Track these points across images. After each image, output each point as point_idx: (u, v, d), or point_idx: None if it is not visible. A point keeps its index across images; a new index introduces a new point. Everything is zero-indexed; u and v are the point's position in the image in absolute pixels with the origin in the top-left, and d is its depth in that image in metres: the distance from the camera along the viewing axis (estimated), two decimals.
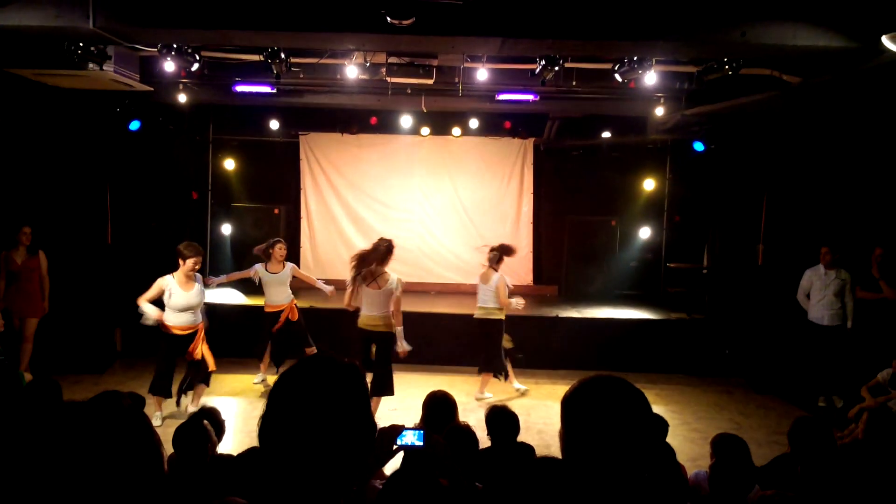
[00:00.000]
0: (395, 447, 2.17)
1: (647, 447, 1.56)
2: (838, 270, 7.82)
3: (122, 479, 1.41)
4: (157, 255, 7.84)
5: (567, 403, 1.62)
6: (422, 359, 8.55)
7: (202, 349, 6.62)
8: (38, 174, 8.50)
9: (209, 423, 3.71)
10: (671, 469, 3.73)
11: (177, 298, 6.31)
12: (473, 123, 10.69)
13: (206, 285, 6.93)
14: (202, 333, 6.63)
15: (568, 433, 1.60)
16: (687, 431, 6.90)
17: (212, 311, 7.54)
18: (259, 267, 7.71)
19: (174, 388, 6.64)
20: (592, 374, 1.67)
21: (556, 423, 1.67)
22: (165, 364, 6.50)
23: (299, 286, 8.15)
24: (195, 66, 6.69)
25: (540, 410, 7.30)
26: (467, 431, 3.33)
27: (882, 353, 7.11)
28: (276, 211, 11.05)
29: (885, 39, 4.94)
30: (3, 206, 8.18)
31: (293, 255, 11.34)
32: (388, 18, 4.96)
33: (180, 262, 6.32)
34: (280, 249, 7.80)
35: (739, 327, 9.16)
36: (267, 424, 1.42)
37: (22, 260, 7.70)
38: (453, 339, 8.94)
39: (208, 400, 6.92)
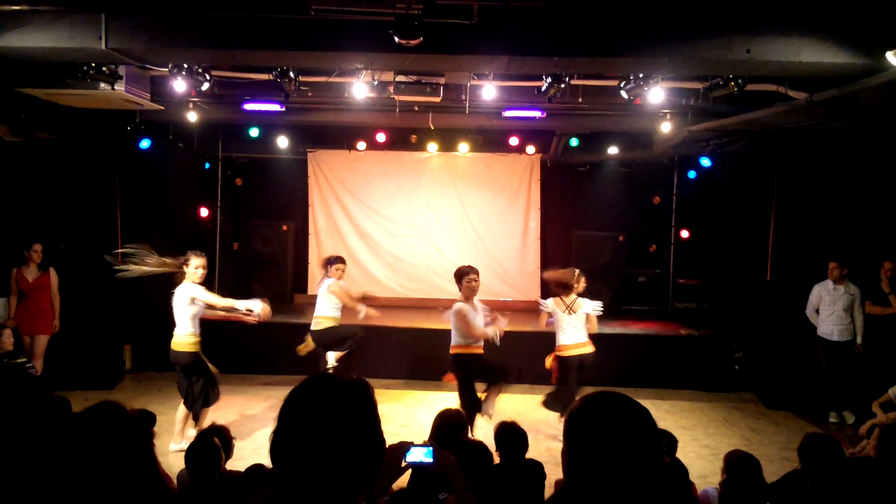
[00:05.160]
0: (403, 464, 2.18)
1: (651, 465, 1.56)
2: (847, 285, 7.80)
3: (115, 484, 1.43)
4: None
5: (570, 422, 1.62)
6: (431, 375, 8.55)
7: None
8: (49, 193, 8.58)
9: (219, 441, 3.73)
10: (682, 487, 3.72)
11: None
12: (480, 140, 10.74)
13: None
14: None
15: (571, 452, 1.61)
16: (697, 448, 6.85)
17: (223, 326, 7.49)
18: (550, 303, 6.97)
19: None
20: (595, 391, 1.67)
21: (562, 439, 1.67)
22: None
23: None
24: (205, 86, 6.77)
25: (548, 426, 7.27)
26: (480, 447, 3.32)
27: (893, 368, 7.07)
28: (285, 227, 11.12)
29: (889, 56, 4.96)
30: (14, 223, 8.27)
31: (302, 272, 11.39)
32: (396, 39, 5.02)
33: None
34: (583, 282, 6.92)
35: (749, 343, 9.12)
36: (277, 442, 1.44)
37: (33, 277, 7.76)
38: None
39: (217, 418, 6.92)
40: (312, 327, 7.50)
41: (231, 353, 8.81)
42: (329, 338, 7.44)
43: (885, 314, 7.65)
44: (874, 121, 7.01)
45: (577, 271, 7.01)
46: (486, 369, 6.62)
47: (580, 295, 6.89)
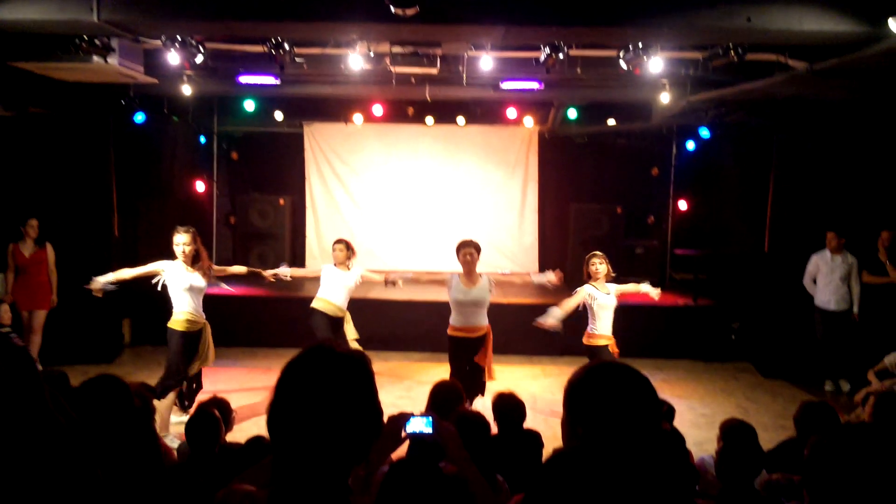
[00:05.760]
0: (403, 434, 2.19)
1: (652, 434, 1.56)
2: (845, 255, 7.82)
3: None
4: (162, 247, 7.89)
5: (571, 391, 1.62)
6: (429, 347, 8.59)
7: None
8: (44, 167, 8.53)
9: (219, 413, 3.76)
10: (680, 455, 3.75)
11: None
12: (478, 112, 10.66)
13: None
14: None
15: (572, 421, 1.61)
16: (694, 416, 6.92)
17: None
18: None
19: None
20: (597, 361, 1.67)
21: (561, 409, 1.67)
22: None
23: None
24: (199, 58, 6.68)
25: (546, 397, 7.33)
26: (478, 418, 3.34)
27: (889, 337, 7.11)
28: (282, 202, 11.08)
29: (891, 22, 4.90)
30: (9, 199, 8.23)
31: (299, 247, 11.37)
32: (392, 8, 4.94)
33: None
34: (598, 265, 6.34)
35: (746, 313, 9.15)
36: (274, 413, 1.44)
37: (30, 253, 7.75)
38: None
39: (217, 390, 6.95)
40: None
41: (231, 326, 8.85)
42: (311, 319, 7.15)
43: (881, 283, 7.68)
44: (874, 89, 6.96)
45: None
46: (465, 365, 6.17)
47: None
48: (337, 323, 7.07)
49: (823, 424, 3.69)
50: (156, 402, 5.73)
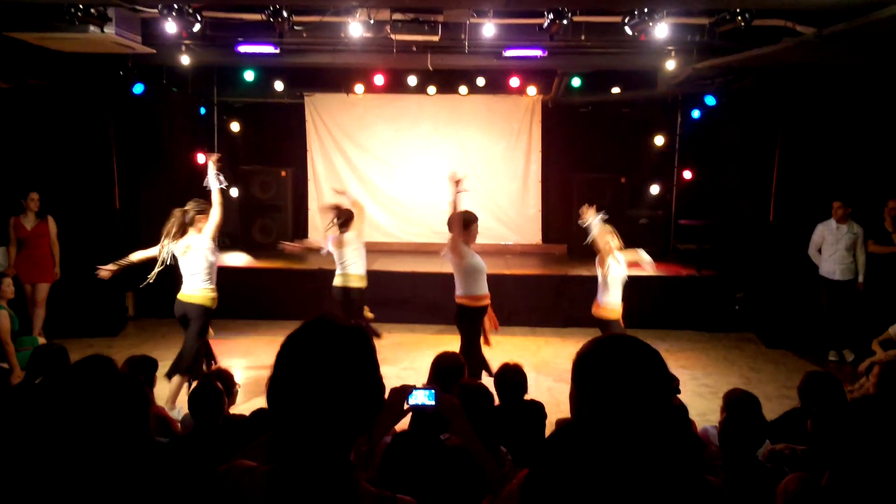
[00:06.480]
0: (406, 407, 2.18)
1: (662, 408, 1.54)
2: (850, 224, 7.77)
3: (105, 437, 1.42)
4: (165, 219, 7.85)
5: (579, 364, 1.59)
6: (433, 319, 8.61)
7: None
8: (43, 140, 8.47)
9: (221, 385, 3.76)
10: (684, 426, 3.75)
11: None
12: (480, 81, 10.54)
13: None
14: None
15: (580, 394, 1.58)
16: (697, 387, 6.93)
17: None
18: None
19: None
20: (605, 334, 1.64)
21: (565, 380, 1.65)
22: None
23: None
24: (196, 27, 6.60)
25: (549, 368, 7.34)
26: (480, 389, 3.33)
27: (894, 307, 7.09)
28: (283, 173, 11.02)
29: None
30: (10, 172, 8.19)
31: (302, 218, 11.34)
32: None
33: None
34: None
35: (751, 282, 9.13)
36: (274, 387, 1.43)
37: (31, 226, 7.74)
38: None
39: (220, 363, 6.97)
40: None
41: (235, 298, 8.84)
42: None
43: (887, 253, 7.63)
44: (883, 55, 6.84)
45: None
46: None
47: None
48: (354, 292, 7.12)
49: (827, 395, 3.68)
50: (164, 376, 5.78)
